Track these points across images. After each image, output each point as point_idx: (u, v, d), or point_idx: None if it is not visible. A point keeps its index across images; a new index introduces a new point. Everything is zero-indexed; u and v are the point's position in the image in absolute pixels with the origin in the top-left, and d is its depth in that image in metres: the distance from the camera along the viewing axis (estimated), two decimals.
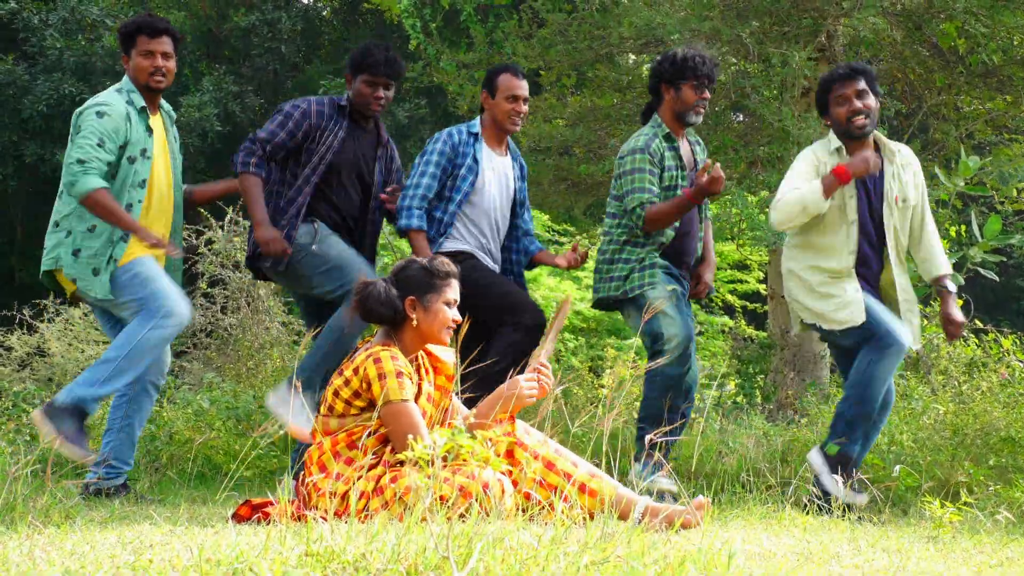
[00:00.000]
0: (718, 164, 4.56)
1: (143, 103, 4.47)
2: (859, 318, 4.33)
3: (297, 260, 4.48)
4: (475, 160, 4.66)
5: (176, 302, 4.32)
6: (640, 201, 4.54)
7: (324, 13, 15.43)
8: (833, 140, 4.49)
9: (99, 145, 4.28)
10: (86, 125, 4.32)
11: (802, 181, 4.38)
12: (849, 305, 4.35)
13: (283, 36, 14.29)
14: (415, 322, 3.46)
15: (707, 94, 4.68)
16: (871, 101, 4.45)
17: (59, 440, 4.03)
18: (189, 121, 13.06)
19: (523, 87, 4.73)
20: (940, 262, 4.58)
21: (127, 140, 4.37)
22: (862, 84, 4.44)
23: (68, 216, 4.38)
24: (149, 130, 4.47)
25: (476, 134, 4.72)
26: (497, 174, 4.73)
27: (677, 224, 4.65)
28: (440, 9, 10.74)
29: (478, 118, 4.80)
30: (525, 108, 4.75)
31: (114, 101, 4.40)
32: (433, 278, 3.49)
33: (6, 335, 8.72)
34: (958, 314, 4.51)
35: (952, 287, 4.55)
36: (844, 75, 4.47)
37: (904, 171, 4.53)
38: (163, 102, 4.66)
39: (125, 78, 4.53)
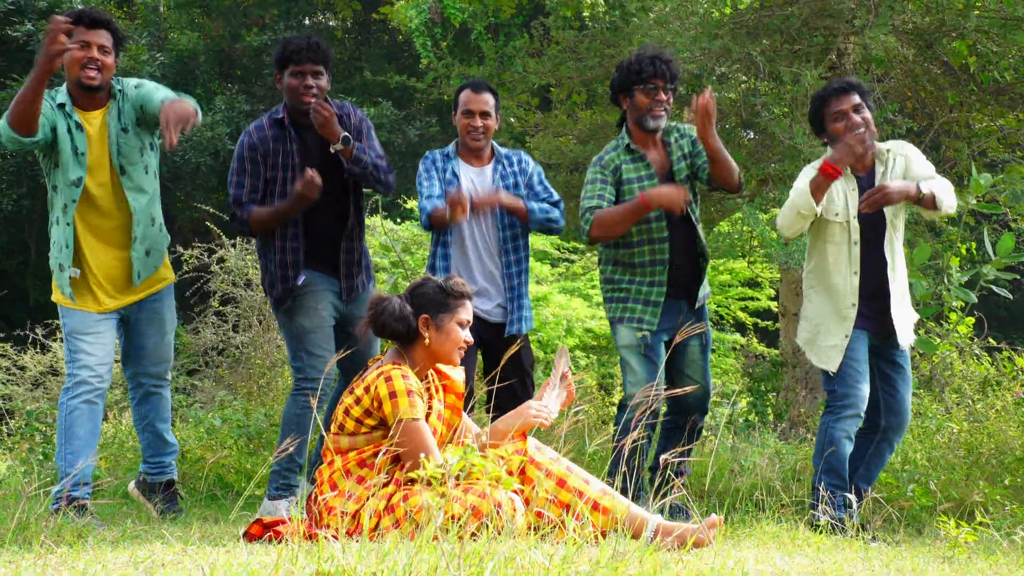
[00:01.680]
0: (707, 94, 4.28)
1: (64, 99, 4.23)
2: (832, 366, 4.35)
3: (281, 308, 4.45)
4: (454, 174, 4.63)
5: (84, 367, 4.21)
6: (587, 208, 4.48)
7: (336, 32, 15.51)
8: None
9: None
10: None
11: (794, 192, 4.36)
12: (832, 349, 4.36)
13: None
14: (427, 341, 3.47)
15: (663, 95, 4.52)
16: (868, 114, 4.42)
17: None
18: (201, 140, 13.14)
19: (479, 101, 4.61)
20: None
21: (54, 128, 4.18)
22: (856, 98, 4.41)
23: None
24: (79, 127, 4.23)
25: (448, 154, 4.69)
26: (478, 185, 4.65)
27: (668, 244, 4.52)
28: (451, 28, 10.80)
29: (455, 140, 4.76)
30: (483, 122, 4.62)
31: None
32: (448, 298, 3.50)
33: (20, 354, 8.75)
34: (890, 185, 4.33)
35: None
36: (839, 90, 4.43)
37: (896, 164, 4.47)
38: (123, 83, 4.35)
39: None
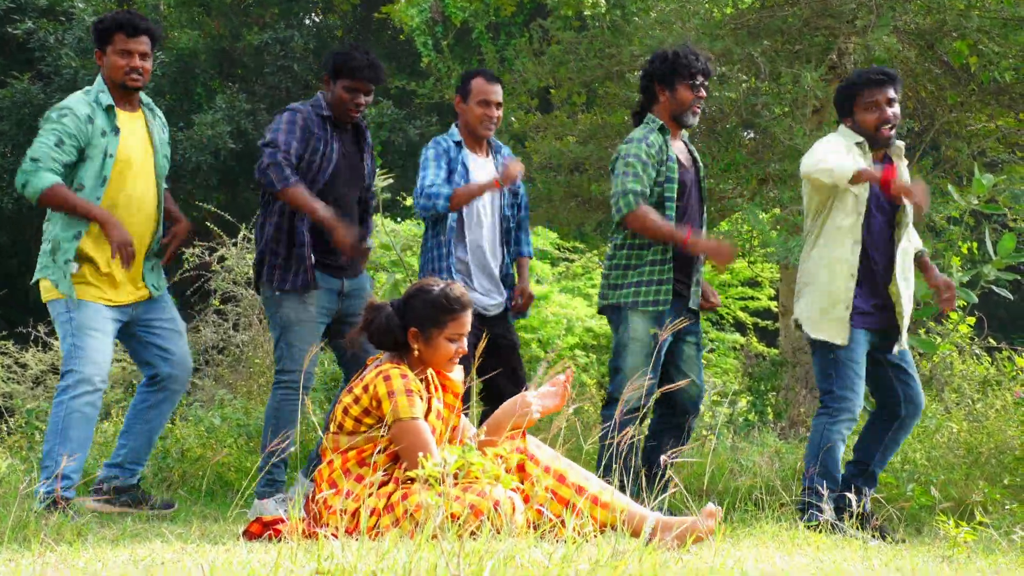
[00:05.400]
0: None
1: (110, 100, 4.28)
2: (840, 339, 4.28)
3: (272, 301, 4.44)
4: (464, 167, 4.62)
5: (92, 364, 4.19)
6: (632, 190, 4.35)
7: (336, 32, 15.51)
8: (853, 134, 4.37)
9: (57, 144, 4.15)
10: (46, 125, 4.19)
11: (839, 154, 4.22)
12: (840, 322, 4.29)
13: (295, 54, 14.38)
14: (416, 352, 3.47)
15: (703, 92, 4.52)
16: (898, 109, 4.37)
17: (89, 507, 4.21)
18: (202, 139, 13.14)
19: (496, 92, 4.65)
20: (917, 239, 4.57)
21: (88, 142, 4.21)
22: (892, 91, 4.34)
23: (50, 225, 4.34)
24: (116, 130, 4.27)
25: (459, 142, 4.67)
26: (485, 177, 4.65)
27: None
28: (452, 27, 10.78)
29: (454, 126, 4.73)
30: (498, 113, 4.66)
31: (76, 104, 4.24)
32: (439, 313, 3.45)
33: (21, 352, 8.75)
34: (943, 277, 4.50)
35: (927, 258, 4.60)
36: (877, 80, 4.35)
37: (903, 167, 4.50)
38: (148, 100, 4.49)
39: (98, 79, 4.34)
